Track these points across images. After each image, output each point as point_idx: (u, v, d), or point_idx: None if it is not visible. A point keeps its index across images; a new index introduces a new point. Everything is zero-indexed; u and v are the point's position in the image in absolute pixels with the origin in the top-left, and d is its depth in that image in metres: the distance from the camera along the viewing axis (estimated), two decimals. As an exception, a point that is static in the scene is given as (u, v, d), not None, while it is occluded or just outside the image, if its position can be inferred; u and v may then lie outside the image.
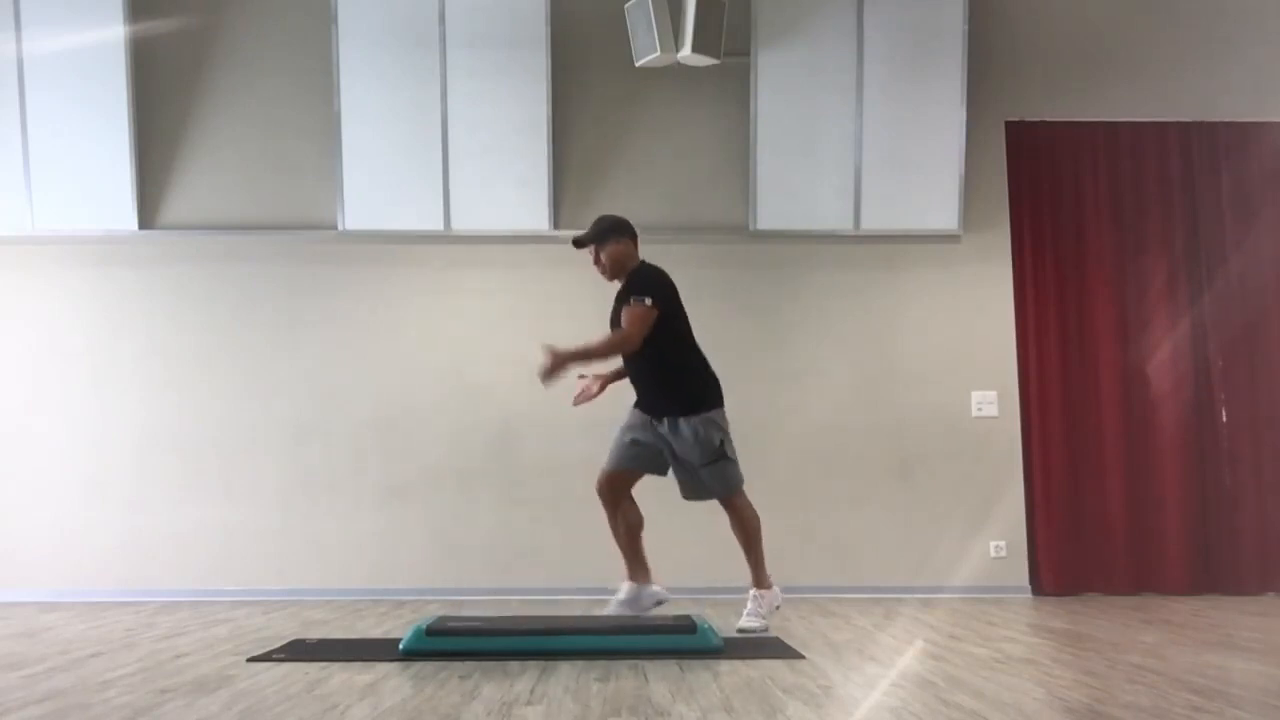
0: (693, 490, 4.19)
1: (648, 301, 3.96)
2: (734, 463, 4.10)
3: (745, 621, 4.05)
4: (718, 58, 5.31)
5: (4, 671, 3.26)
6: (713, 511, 5.49)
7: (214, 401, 5.56)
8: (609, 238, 4.13)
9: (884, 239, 5.68)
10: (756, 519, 4.13)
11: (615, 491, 4.19)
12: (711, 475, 4.07)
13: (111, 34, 5.49)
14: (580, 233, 4.22)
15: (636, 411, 4.17)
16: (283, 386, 5.58)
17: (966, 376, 5.63)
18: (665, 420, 4.07)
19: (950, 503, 5.54)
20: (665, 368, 4.05)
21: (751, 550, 4.14)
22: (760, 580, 4.15)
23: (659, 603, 4.25)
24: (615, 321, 4.09)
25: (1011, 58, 5.80)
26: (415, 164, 5.58)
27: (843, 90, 5.62)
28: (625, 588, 4.23)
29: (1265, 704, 2.72)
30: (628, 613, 4.16)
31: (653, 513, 5.52)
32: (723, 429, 4.10)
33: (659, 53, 5.25)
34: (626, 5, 5.33)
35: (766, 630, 4.00)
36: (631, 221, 4.05)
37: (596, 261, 4.16)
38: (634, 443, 4.14)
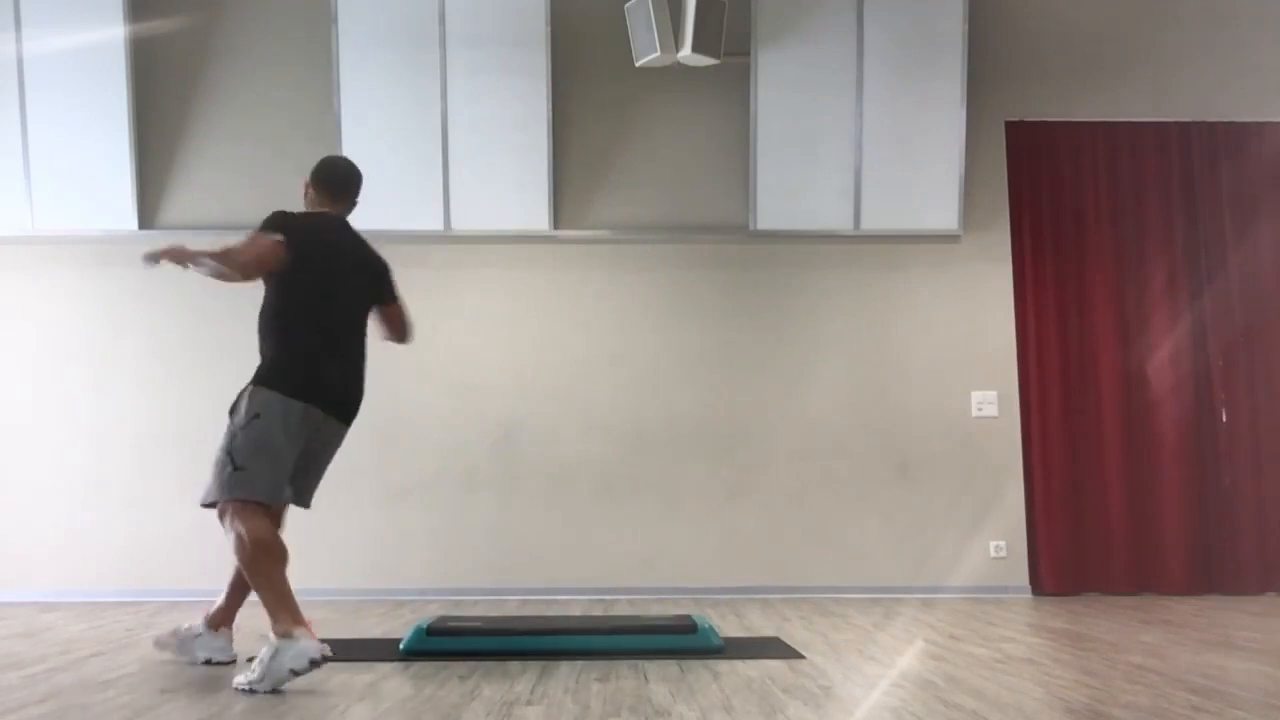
0: None
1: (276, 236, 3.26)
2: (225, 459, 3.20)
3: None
4: (718, 58, 5.31)
5: (4, 671, 3.26)
6: (713, 510, 5.52)
7: (214, 401, 5.50)
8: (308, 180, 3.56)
9: (884, 239, 5.68)
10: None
11: None
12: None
13: (111, 34, 5.48)
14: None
15: None
16: (283, 386, 5.57)
17: (966, 376, 5.63)
18: None
19: (950, 503, 5.54)
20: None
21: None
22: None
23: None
24: None
25: (1011, 58, 5.79)
26: (415, 164, 5.58)
27: (843, 90, 5.62)
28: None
29: (1265, 704, 2.72)
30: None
31: (653, 513, 5.55)
32: (258, 410, 3.19)
33: (659, 53, 5.25)
34: (626, 5, 5.33)
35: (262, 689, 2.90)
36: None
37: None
38: None
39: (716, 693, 2.85)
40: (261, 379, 3.25)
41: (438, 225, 5.59)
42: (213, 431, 5.46)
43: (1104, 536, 5.47)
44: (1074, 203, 5.69)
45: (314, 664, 2.93)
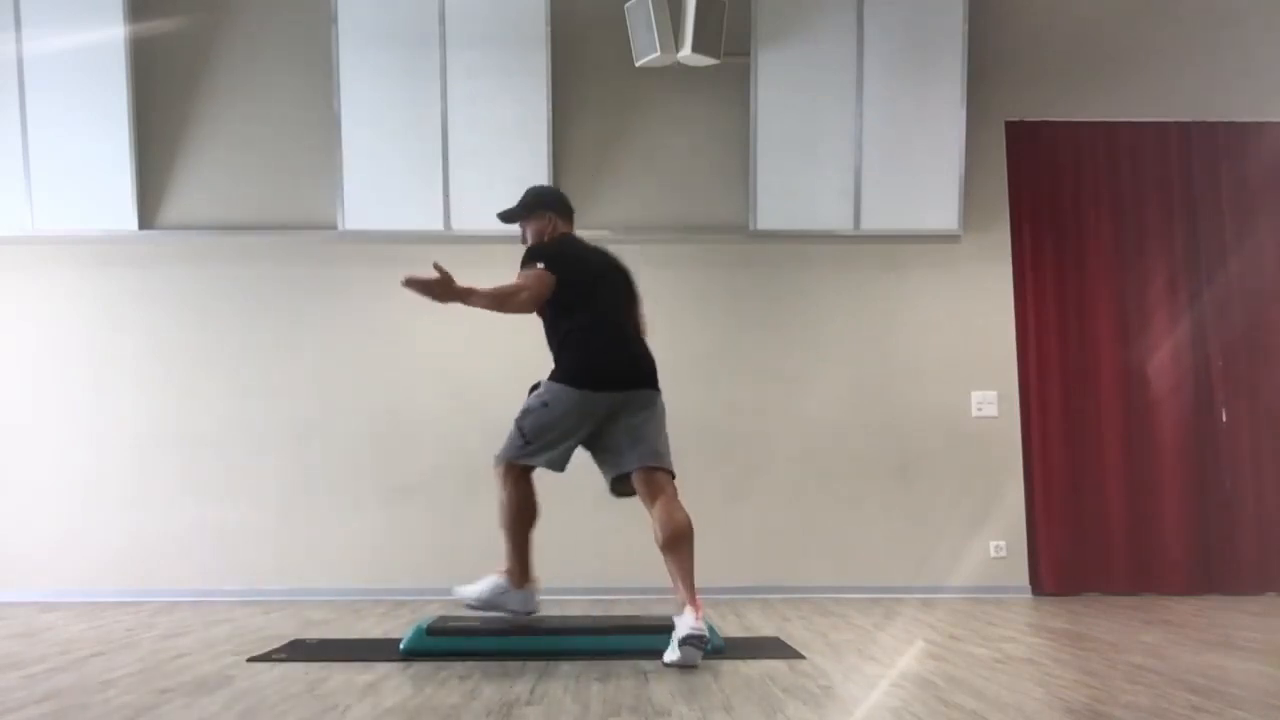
0: None
1: (540, 265, 3.58)
2: (516, 432, 3.77)
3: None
4: (718, 58, 5.31)
5: (4, 671, 3.26)
6: (713, 510, 5.51)
7: (214, 401, 5.56)
8: (534, 213, 3.79)
9: (884, 239, 5.68)
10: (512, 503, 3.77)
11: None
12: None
13: (111, 34, 5.48)
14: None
15: None
16: (283, 386, 5.57)
17: (966, 376, 5.63)
18: None
19: (950, 503, 5.54)
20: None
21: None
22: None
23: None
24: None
25: (1011, 58, 5.79)
26: (415, 164, 5.58)
27: (843, 90, 5.62)
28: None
29: (1265, 704, 2.72)
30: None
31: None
32: (545, 401, 3.70)
33: (659, 53, 5.25)
34: (626, 5, 5.33)
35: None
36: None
37: (524, 241, 3.81)
38: None
39: (716, 693, 2.85)
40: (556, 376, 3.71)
41: (438, 225, 5.59)
42: (212, 431, 5.53)
43: (1104, 536, 5.47)
44: (1074, 203, 5.69)
45: (525, 614, 3.75)
